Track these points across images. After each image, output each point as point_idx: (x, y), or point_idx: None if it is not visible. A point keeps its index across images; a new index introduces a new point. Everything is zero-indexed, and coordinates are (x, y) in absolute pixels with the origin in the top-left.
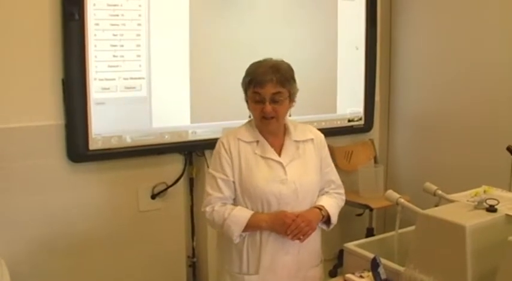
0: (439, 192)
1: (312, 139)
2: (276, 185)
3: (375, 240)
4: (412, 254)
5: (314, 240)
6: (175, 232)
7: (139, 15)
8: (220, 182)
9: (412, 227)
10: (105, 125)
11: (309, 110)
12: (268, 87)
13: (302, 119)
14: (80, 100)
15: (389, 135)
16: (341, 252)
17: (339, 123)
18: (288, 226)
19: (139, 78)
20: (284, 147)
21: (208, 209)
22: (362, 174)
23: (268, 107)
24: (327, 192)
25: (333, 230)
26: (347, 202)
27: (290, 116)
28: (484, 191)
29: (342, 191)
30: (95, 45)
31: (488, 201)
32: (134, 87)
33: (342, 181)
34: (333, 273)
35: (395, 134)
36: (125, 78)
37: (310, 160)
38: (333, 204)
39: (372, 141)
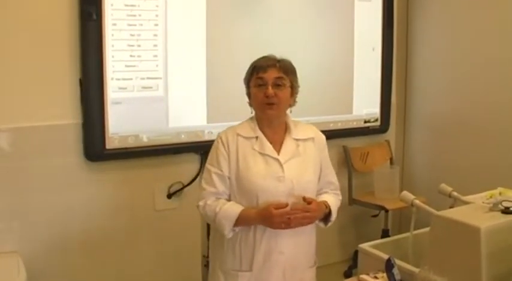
0: (454, 193)
1: (313, 138)
2: (272, 182)
3: (390, 241)
4: (427, 255)
5: (309, 241)
6: (191, 232)
7: (157, 16)
8: (214, 176)
9: (427, 229)
10: (121, 124)
11: (325, 110)
12: (271, 71)
13: (318, 119)
14: (97, 100)
15: (405, 136)
16: (356, 253)
17: (355, 124)
18: (277, 217)
19: (156, 78)
20: (284, 144)
21: (201, 203)
22: (378, 175)
23: (271, 90)
24: (326, 192)
25: (348, 231)
26: (362, 203)
27: (291, 112)
28: (500, 193)
29: (339, 192)
30: (112, 45)
31: (503, 203)
32: (151, 87)
33: (358, 182)
34: (347, 274)
35: (411, 135)
36: (141, 78)
37: (309, 158)
38: (333, 202)
39: (387, 142)
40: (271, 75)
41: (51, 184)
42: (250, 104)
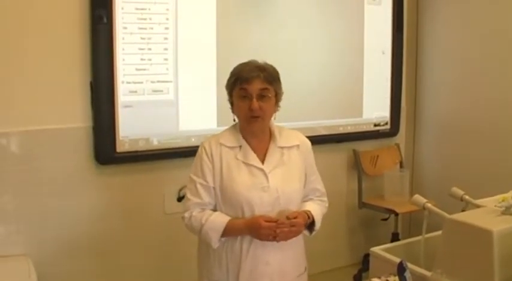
0: (466, 197)
1: (298, 145)
2: (257, 193)
3: (401, 244)
4: (439, 259)
5: (296, 250)
6: None
7: (167, 19)
8: (199, 187)
9: (438, 232)
10: (132, 127)
11: (335, 114)
12: (256, 83)
13: (328, 123)
14: (107, 103)
15: (415, 139)
16: (366, 256)
17: (364, 128)
18: (266, 229)
19: (166, 81)
20: (268, 153)
21: (186, 215)
22: (387, 179)
23: (256, 104)
24: (311, 199)
25: (358, 235)
26: (372, 207)
27: (275, 119)
28: None
29: (326, 199)
30: (123, 49)
31: None
32: (161, 91)
33: (367, 186)
34: (357, 277)
35: (421, 138)
36: (152, 82)
37: (294, 167)
38: (317, 210)
39: (397, 145)
40: (255, 86)
41: (61, 187)
42: (233, 111)
